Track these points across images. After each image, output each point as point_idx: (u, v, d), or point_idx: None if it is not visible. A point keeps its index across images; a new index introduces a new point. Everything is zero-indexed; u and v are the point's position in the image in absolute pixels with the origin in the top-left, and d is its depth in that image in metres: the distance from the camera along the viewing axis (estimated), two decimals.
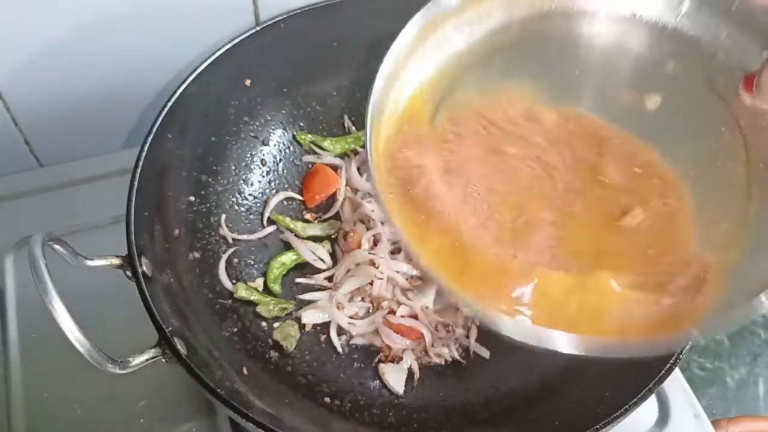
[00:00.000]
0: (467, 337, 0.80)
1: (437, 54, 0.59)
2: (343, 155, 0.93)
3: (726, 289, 0.51)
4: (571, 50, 0.59)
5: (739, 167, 0.53)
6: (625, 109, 0.58)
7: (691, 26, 0.55)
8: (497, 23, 0.59)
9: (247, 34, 0.83)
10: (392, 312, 0.79)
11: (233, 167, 0.87)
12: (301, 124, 0.93)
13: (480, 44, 0.59)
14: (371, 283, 0.81)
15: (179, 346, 0.61)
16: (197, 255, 0.80)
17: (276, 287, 0.83)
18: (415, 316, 0.79)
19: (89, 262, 0.65)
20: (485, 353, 0.79)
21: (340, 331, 0.81)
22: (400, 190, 0.56)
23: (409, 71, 0.58)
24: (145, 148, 0.72)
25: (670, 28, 0.56)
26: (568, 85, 0.59)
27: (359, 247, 0.83)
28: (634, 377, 0.63)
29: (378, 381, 0.78)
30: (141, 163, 0.71)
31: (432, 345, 0.79)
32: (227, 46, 0.82)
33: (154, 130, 0.74)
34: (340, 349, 0.80)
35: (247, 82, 0.87)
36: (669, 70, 0.57)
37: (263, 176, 0.90)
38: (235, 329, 0.78)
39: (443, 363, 0.79)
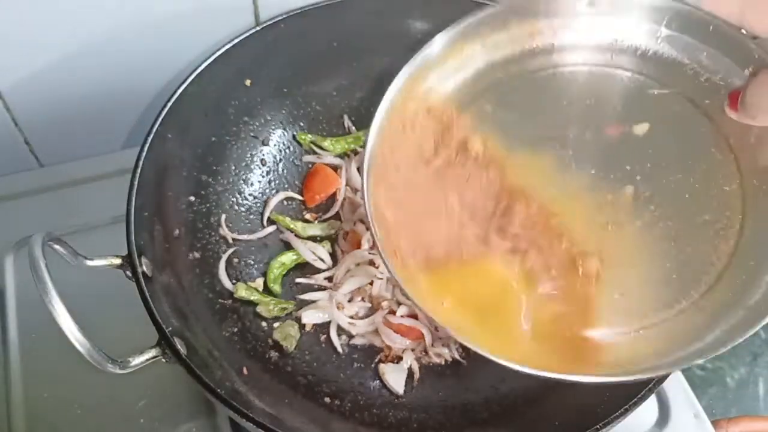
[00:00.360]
0: None
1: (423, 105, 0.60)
2: (343, 155, 0.93)
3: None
4: (553, 87, 0.59)
5: (732, 186, 0.53)
6: (608, 145, 0.58)
7: (671, 49, 0.55)
8: (480, 67, 0.59)
9: (247, 34, 0.83)
10: (392, 312, 0.79)
11: (233, 167, 0.87)
12: (301, 124, 0.93)
13: (464, 90, 0.60)
14: (371, 283, 0.81)
15: (179, 346, 0.61)
16: (197, 255, 0.80)
17: (276, 287, 0.83)
18: (415, 316, 0.79)
19: (89, 262, 0.65)
20: None
21: (340, 331, 0.81)
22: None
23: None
24: (145, 148, 0.72)
25: (651, 52, 0.56)
26: (551, 124, 0.59)
27: (359, 247, 0.83)
28: None
29: (378, 381, 0.78)
30: (141, 163, 0.71)
31: (432, 345, 0.79)
32: (227, 46, 0.82)
33: (154, 130, 0.74)
34: (340, 349, 0.80)
35: (247, 82, 0.87)
36: (654, 95, 0.56)
37: (263, 176, 0.90)
38: (235, 329, 0.78)
39: (443, 363, 0.79)
